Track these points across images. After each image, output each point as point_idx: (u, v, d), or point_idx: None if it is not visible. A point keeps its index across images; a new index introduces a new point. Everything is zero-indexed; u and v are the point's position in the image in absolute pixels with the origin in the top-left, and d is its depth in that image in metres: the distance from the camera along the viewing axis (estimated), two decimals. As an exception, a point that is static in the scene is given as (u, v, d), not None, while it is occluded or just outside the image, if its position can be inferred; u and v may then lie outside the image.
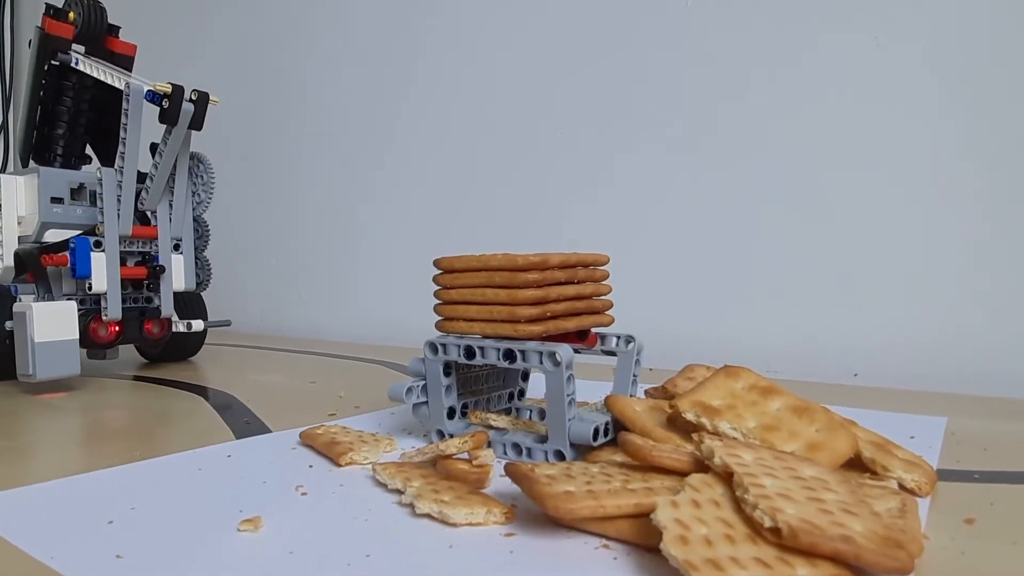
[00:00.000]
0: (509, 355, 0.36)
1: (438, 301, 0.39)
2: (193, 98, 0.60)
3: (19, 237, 0.63)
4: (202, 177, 0.66)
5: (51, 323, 0.54)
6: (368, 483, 0.32)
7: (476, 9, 0.92)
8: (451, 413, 0.40)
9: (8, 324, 0.57)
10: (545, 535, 0.26)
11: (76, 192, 0.64)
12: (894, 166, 0.67)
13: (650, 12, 0.79)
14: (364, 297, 1.05)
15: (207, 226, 0.69)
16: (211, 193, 0.67)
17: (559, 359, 0.34)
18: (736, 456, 0.26)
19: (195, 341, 0.78)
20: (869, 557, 0.21)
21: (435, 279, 0.39)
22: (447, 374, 0.39)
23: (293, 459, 0.37)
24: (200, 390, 0.59)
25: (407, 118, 0.99)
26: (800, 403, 0.34)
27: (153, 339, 0.67)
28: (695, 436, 0.29)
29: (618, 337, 0.43)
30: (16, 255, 0.62)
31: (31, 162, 0.66)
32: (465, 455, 0.34)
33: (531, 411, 0.45)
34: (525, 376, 0.46)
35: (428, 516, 0.28)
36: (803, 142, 0.71)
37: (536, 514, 0.28)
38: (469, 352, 0.37)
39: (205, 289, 0.70)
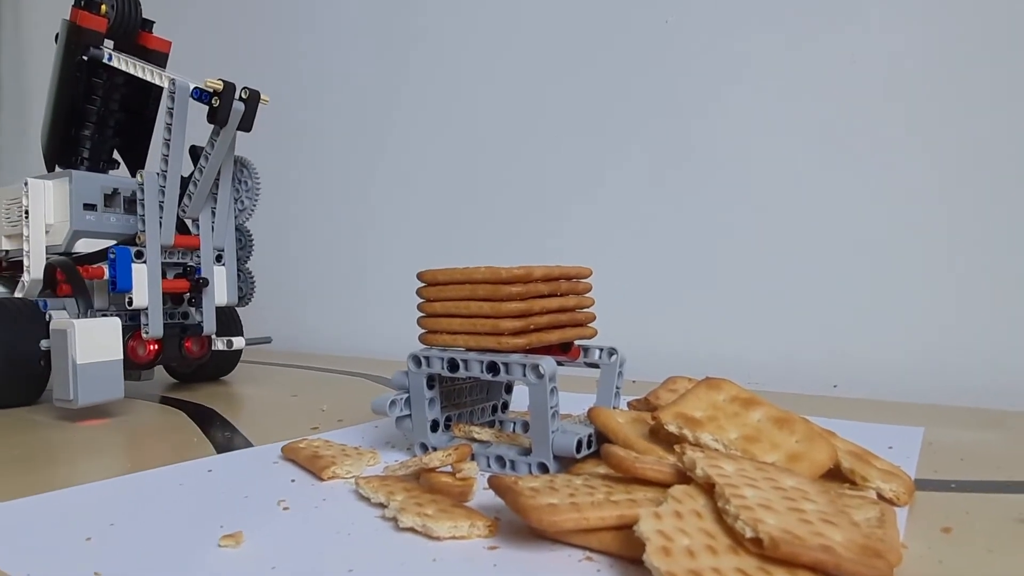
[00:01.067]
0: (492, 368, 0.36)
1: (422, 314, 0.39)
2: (244, 96, 0.56)
3: (46, 247, 0.59)
4: (246, 183, 0.62)
5: (94, 342, 0.49)
6: (351, 497, 0.32)
7: (460, 27, 0.93)
8: (434, 426, 0.39)
9: (44, 343, 0.52)
10: (529, 548, 0.26)
11: (109, 198, 0.60)
12: (872, 182, 0.68)
13: (631, 29, 0.80)
14: (349, 310, 1.05)
15: (250, 235, 0.65)
16: (256, 200, 0.63)
17: (542, 371, 0.35)
18: (718, 467, 0.27)
19: (231, 359, 0.72)
20: (849, 567, 0.21)
21: (419, 292, 0.39)
22: (430, 387, 0.39)
23: (275, 473, 0.36)
24: (180, 403, 0.58)
25: (397, 134, 0.99)
26: (781, 414, 0.34)
27: (192, 358, 0.63)
28: (677, 448, 0.29)
29: (601, 349, 0.43)
30: (47, 267, 0.57)
31: (56, 166, 0.62)
32: (448, 468, 0.34)
33: (515, 423, 0.45)
34: (509, 388, 0.46)
35: (411, 530, 0.28)
36: (782, 158, 0.72)
37: (520, 527, 0.28)
38: (452, 365, 0.37)
39: (247, 304, 0.66)
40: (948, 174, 0.65)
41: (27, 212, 0.58)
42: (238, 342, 0.64)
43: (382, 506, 0.30)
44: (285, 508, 0.31)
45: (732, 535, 0.23)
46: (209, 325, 0.61)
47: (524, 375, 0.35)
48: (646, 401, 0.40)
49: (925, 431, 0.46)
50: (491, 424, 0.45)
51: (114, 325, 0.50)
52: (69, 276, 0.54)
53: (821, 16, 0.70)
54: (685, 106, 0.77)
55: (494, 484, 0.28)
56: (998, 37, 0.63)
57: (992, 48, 0.63)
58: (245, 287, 0.65)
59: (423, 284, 0.39)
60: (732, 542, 0.23)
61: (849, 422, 0.48)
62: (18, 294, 0.59)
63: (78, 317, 0.52)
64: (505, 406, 0.46)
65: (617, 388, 0.43)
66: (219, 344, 0.63)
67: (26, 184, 0.58)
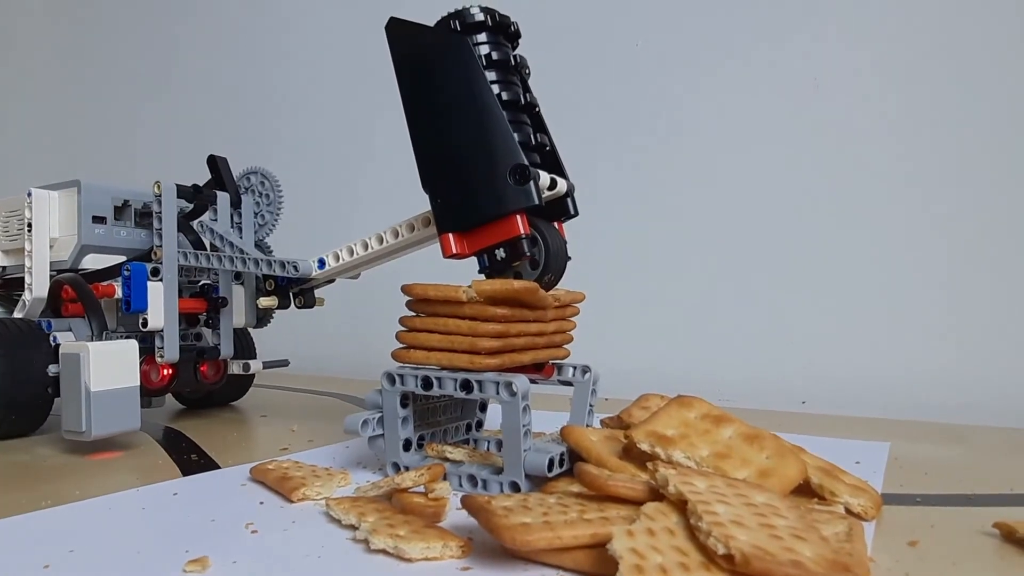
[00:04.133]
0: (466, 385, 0.36)
1: (402, 328, 0.39)
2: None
3: (50, 263, 0.54)
4: (267, 196, 0.58)
5: (110, 367, 0.45)
6: (321, 519, 0.32)
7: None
8: (407, 445, 0.39)
9: (52, 368, 0.48)
10: (502, 568, 0.26)
11: (119, 211, 0.56)
12: (839, 200, 0.70)
13: (603, 51, 0.81)
14: (318, 329, 1.04)
15: (271, 252, 0.60)
16: (278, 215, 0.59)
17: (515, 389, 0.35)
18: (690, 484, 0.27)
19: (243, 384, 0.67)
20: (818, 581, 0.21)
21: (407, 304, 0.39)
22: (404, 405, 0.39)
23: (243, 496, 0.36)
24: (143, 425, 0.57)
25: (381, 148, 0.99)
26: (750, 431, 0.34)
27: (207, 383, 0.59)
28: (649, 465, 0.29)
29: (575, 367, 0.43)
30: (54, 284, 0.53)
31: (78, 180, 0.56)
32: (421, 488, 0.34)
33: (489, 442, 0.44)
34: (484, 407, 0.46)
35: (383, 552, 0.27)
36: (750, 177, 0.74)
37: (493, 547, 0.28)
38: (427, 383, 0.37)
39: (266, 325, 0.62)
40: (914, 194, 0.67)
41: (30, 225, 0.53)
42: (255, 365, 0.60)
43: (353, 528, 0.30)
44: (253, 531, 0.30)
45: (704, 552, 0.23)
46: (227, 348, 0.58)
47: (498, 392, 0.35)
48: (619, 419, 0.41)
49: (891, 446, 0.47)
50: (465, 443, 0.44)
51: (131, 348, 0.46)
52: (81, 294, 0.49)
53: (782, 31, 0.72)
54: (658, 126, 0.78)
55: (467, 504, 0.28)
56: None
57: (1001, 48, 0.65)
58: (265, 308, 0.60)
59: (409, 299, 0.39)
60: (704, 559, 0.23)
61: (817, 438, 0.48)
62: (18, 314, 0.54)
63: (91, 339, 0.47)
64: (480, 424, 0.46)
65: (590, 406, 0.43)
66: (235, 368, 0.60)
67: (29, 194, 0.53)
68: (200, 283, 0.57)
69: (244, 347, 0.64)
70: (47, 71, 1.40)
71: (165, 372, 0.55)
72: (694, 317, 0.76)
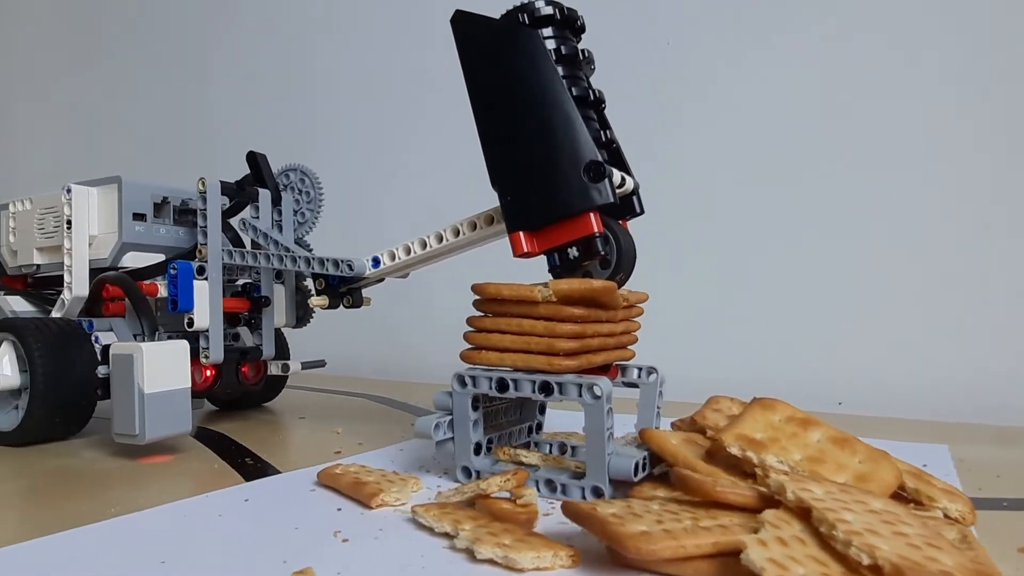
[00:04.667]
0: (545, 388, 0.35)
1: (470, 329, 0.38)
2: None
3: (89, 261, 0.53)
4: (308, 193, 0.57)
5: (163, 368, 0.43)
6: (407, 526, 0.31)
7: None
8: (477, 449, 0.38)
9: (102, 370, 0.46)
10: (618, 578, 0.25)
11: (158, 207, 0.55)
12: (884, 198, 0.69)
13: (635, 50, 0.81)
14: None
15: (311, 250, 0.58)
16: (318, 213, 0.57)
17: (599, 392, 0.34)
18: (808, 491, 0.26)
19: (278, 385, 0.66)
20: (971, 592, 0.21)
21: (475, 304, 0.38)
22: (475, 408, 0.38)
23: (316, 502, 0.35)
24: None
25: (416, 143, 0.98)
26: (839, 434, 0.34)
27: (248, 385, 0.58)
28: (759, 471, 0.28)
29: (639, 369, 0.42)
30: (97, 283, 0.51)
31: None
32: (502, 494, 0.33)
33: (550, 445, 0.44)
34: (543, 409, 0.45)
35: (490, 561, 0.26)
36: (791, 178, 0.73)
37: (600, 555, 0.27)
38: (502, 385, 0.36)
39: (305, 325, 0.61)
40: (970, 189, 0.66)
41: (69, 222, 0.52)
42: (294, 366, 0.59)
43: (447, 535, 0.29)
44: (344, 540, 0.29)
45: (844, 562, 0.22)
46: (268, 348, 0.57)
47: (580, 395, 0.34)
48: (692, 421, 0.40)
49: (950, 448, 0.47)
50: (526, 446, 0.43)
51: (182, 349, 0.45)
52: (130, 293, 0.48)
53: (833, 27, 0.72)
54: (735, 125, 0.76)
55: (571, 511, 0.27)
56: None
57: None
58: (304, 308, 0.59)
59: (478, 298, 0.38)
60: (845, 569, 0.22)
61: (874, 440, 0.48)
62: (56, 313, 0.53)
63: (143, 340, 0.46)
64: (539, 427, 0.45)
65: (658, 408, 0.42)
66: (274, 369, 0.59)
67: (69, 191, 0.52)
68: (241, 282, 0.56)
69: (281, 348, 0.63)
70: (52, 70, 1.37)
71: (208, 373, 0.54)
72: (722, 317, 0.75)
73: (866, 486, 0.30)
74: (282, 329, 0.62)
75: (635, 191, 0.43)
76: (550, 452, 0.43)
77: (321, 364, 0.62)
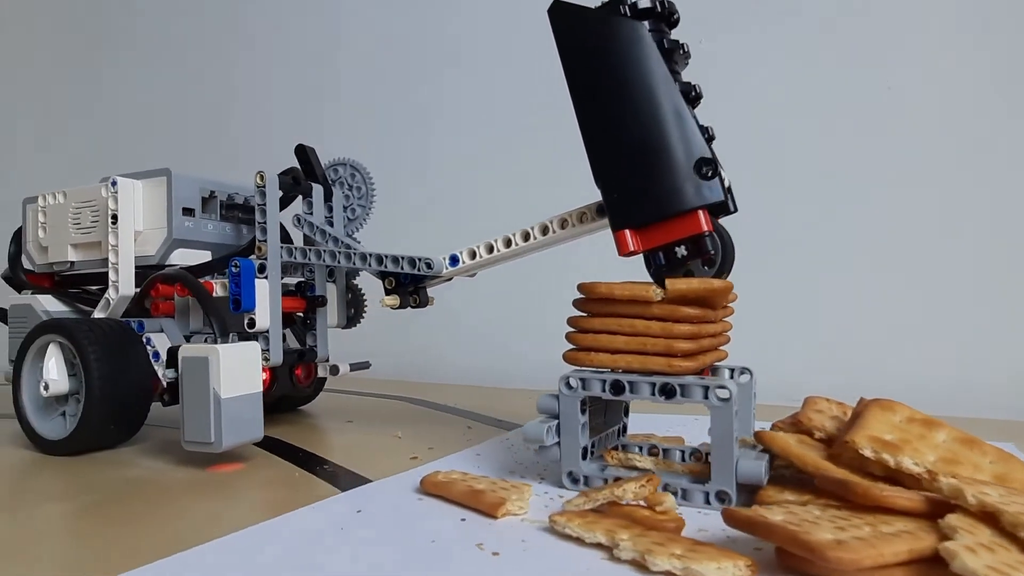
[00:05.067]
0: (666, 390, 0.34)
1: (572, 329, 0.37)
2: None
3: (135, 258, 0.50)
4: (359, 188, 0.55)
5: (238, 372, 0.41)
6: (547, 536, 0.29)
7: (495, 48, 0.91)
8: (584, 453, 0.37)
9: (169, 373, 0.42)
10: (805, 588, 0.24)
11: (206, 202, 0.52)
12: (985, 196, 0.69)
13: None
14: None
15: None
16: (370, 209, 0.55)
17: (726, 395, 0.33)
18: (986, 494, 0.26)
19: (317, 387, 0.64)
20: None
21: (577, 304, 0.37)
22: (583, 411, 0.37)
23: (433, 512, 0.33)
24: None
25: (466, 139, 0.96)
26: (964, 435, 0.34)
27: (302, 387, 0.56)
28: (926, 475, 0.28)
29: (731, 370, 0.42)
30: (150, 281, 0.49)
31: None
32: (635, 502, 0.32)
33: (640, 447, 0.43)
34: (627, 411, 0.44)
35: (667, 574, 0.25)
36: (915, 172, 0.71)
37: (772, 563, 0.26)
38: (617, 387, 0.35)
39: (356, 325, 0.58)
40: None
41: (115, 217, 0.49)
42: (344, 368, 0.56)
43: (600, 546, 0.28)
44: (494, 553, 0.27)
45: (1058, 568, 0.22)
46: (323, 350, 0.54)
47: (705, 397, 0.33)
48: (797, 422, 0.39)
49: (1014, 447, 0.47)
50: (614, 449, 0.42)
51: (255, 351, 0.42)
52: (195, 292, 0.45)
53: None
54: (835, 122, 0.74)
55: (736, 519, 0.26)
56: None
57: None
58: (355, 307, 0.57)
59: (582, 297, 0.37)
60: (1063, 575, 0.22)
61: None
62: (99, 314, 0.50)
63: (216, 341, 0.43)
64: (624, 429, 0.44)
65: (753, 410, 0.42)
66: (321, 371, 0.56)
67: (114, 184, 0.49)
68: (294, 281, 0.54)
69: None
70: (52, 70, 1.30)
71: (264, 376, 0.51)
72: (799, 316, 0.74)
73: (1007, 486, 0.30)
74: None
75: (729, 188, 0.42)
76: (641, 453, 0.42)
77: (366, 366, 0.60)
